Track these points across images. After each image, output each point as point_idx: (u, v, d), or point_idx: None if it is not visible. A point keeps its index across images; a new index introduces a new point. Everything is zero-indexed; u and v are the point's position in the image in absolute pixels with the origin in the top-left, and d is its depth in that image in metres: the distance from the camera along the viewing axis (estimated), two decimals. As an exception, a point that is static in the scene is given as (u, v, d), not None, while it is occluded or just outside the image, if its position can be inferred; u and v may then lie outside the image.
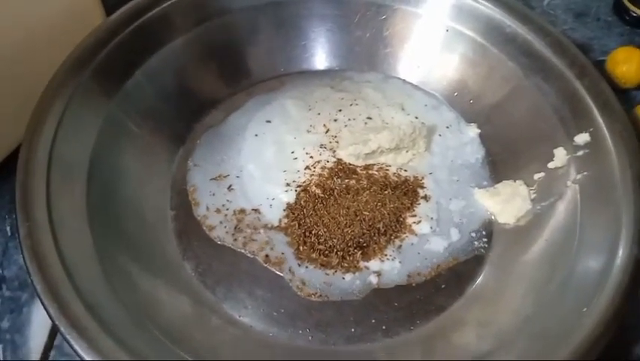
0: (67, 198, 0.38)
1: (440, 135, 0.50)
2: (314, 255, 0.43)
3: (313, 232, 0.43)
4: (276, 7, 0.51)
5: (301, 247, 0.43)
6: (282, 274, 0.42)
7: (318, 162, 0.47)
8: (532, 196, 0.45)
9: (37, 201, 0.36)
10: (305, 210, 0.44)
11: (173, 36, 0.48)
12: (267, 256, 0.43)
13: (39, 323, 0.41)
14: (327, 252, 0.43)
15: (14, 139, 0.47)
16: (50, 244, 0.35)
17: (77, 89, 0.41)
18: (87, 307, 0.33)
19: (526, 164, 0.46)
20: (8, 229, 0.45)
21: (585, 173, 0.42)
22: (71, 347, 0.32)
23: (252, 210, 0.45)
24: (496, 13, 0.49)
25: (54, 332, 0.40)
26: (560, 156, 0.44)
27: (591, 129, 0.43)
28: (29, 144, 0.38)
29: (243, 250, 0.43)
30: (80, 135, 0.41)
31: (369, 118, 0.50)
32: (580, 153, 0.43)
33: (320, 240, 0.43)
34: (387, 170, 0.47)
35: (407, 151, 0.48)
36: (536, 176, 0.45)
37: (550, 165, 0.44)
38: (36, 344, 0.40)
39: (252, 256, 0.43)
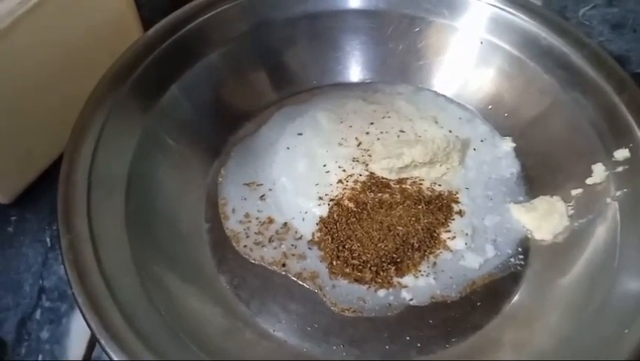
0: (106, 211, 0.38)
1: (475, 149, 0.49)
2: (347, 270, 0.43)
3: (347, 247, 0.43)
4: (310, 20, 0.51)
5: (334, 262, 0.43)
6: (315, 290, 0.42)
7: (351, 175, 0.47)
8: (570, 213, 0.44)
9: (79, 214, 0.37)
10: (338, 224, 0.44)
11: (208, 50, 0.48)
12: (299, 270, 0.43)
13: (78, 333, 0.41)
14: (360, 267, 0.42)
15: (53, 151, 0.48)
16: (91, 257, 0.35)
17: (116, 103, 0.42)
18: (126, 319, 0.33)
19: (563, 179, 0.46)
20: (48, 240, 0.46)
21: (625, 190, 0.42)
22: (110, 359, 0.32)
23: (284, 223, 0.45)
24: (532, 26, 0.48)
25: (92, 343, 0.41)
26: (599, 172, 0.43)
27: (631, 145, 0.42)
28: (70, 158, 0.39)
29: (275, 268, 0.43)
30: (118, 149, 0.41)
31: (402, 131, 0.50)
32: (619, 169, 0.42)
33: (353, 255, 0.43)
34: (420, 184, 0.47)
35: (441, 165, 0.47)
36: (574, 192, 0.44)
37: (589, 181, 0.44)
38: (75, 355, 0.41)
39: (284, 273, 0.43)
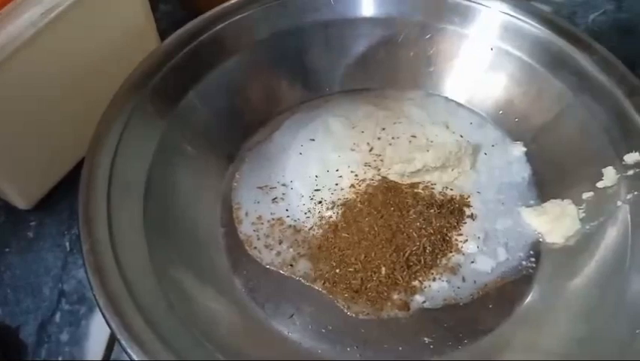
0: (126, 216, 0.39)
1: (486, 154, 0.50)
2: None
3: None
4: (323, 28, 0.52)
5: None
6: (329, 293, 0.43)
7: (364, 180, 0.48)
8: (581, 216, 0.44)
9: (99, 219, 0.37)
10: (352, 228, 0.45)
11: (224, 58, 0.49)
12: (310, 273, 0.43)
13: (96, 335, 0.42)
14: (374, 270, 0.43)
15: (72, 158, 0.49)
16: (111, 261, 0.36)
17: (135, 110, 0.43)
18: (146, 320, 0.34)
19: (574, 183, 0.46)
20: (67, 244, 0.47)
21: (636, 193, 0.42)
22: (131, 358, 0.33)
23: (295, 226, 0.46)
24: (543, 33, 0.48)
25: (111, 345, 0.42)
26: (610, 175, 0.44)
27: (642, 148, 0.43)
28: (91, 164, 0.40)
29: (285, 270, 0.44)
30: (137, 155, 0.42)
31: (414, 136, 0.51)
32: (630, 172, 0.43)
33: (367, 258, 0.43)
34: (432, 188, 0.47)
35: (452, 169, 0.48)
36: (585, 195, 0.45)
37: (600, 184, 0.44)
38: (93, 356, 0.41)
39: (294, 275, 0.43)
